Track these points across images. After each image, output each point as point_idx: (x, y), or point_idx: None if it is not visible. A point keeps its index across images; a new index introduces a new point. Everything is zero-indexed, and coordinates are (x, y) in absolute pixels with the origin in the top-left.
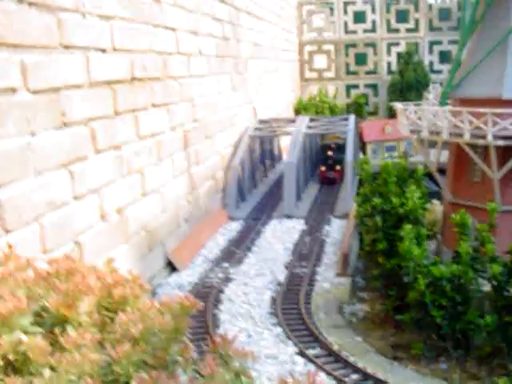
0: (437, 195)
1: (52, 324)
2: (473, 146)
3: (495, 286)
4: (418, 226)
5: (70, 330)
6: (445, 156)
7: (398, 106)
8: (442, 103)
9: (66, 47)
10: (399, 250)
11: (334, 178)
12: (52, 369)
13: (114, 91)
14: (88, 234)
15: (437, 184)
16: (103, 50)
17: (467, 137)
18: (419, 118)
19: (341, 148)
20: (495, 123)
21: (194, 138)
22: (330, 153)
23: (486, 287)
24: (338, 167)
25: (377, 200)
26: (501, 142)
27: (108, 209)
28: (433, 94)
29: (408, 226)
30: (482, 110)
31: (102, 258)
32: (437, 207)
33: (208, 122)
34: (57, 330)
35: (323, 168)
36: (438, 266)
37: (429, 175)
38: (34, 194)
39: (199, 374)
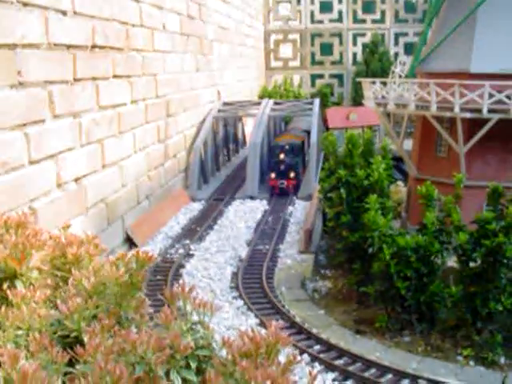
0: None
1: (0, 279)
2: (439, 120)
3: (461, 256)
4: (384, 197)
5: (18, 285)
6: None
7: (365, 80)
8: (410, 76)
9: (25, 4)
10: (364, 220)
11: (287, 188)
12: None
13: (74, 56)
14: (43, 200)
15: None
16: (63, 13)
17: (434, 109)
18: (386, 93)
19: (296, 150)
20: (462, 95)
21: (156, 115)
22: (281, 156)
23: (451, 262)
24: (291, 174)
25: (342, 171)
26: (468, 115)
27: (65, 177)
28: (399, 67)
29: (373, 197)
30: (449, 81)
31: (58, 227)
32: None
33: (171, 99)
34: (5, 286)
35: (273, 175)
36: (404, 235)
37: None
38: None
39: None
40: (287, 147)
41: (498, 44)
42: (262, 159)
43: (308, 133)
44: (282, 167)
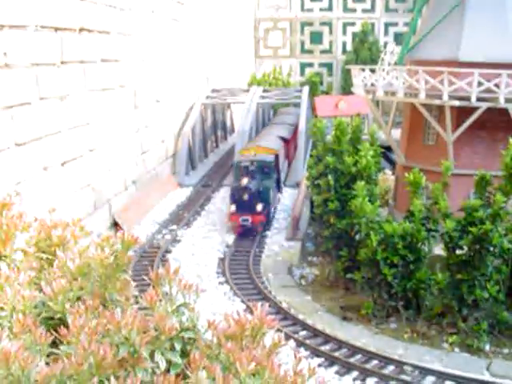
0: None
1: None
2: (428, 108)
3: (448, 243)
4: (371, 184)
5: (2, 266)
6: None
7: (354, 67)
8: (399, 64)
9: None
10: (352, 206)
11: (253, 226)
12: None
13: (61, 39)
14: (29, 183)
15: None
16: None
17: (422, 96)
18: (375, 80)
19: (266, 169)
20: (451, 83)
21: (145, 100)
22: (245, 181)
23: (438, 250)
24: (259, 206)
25: (330, 158)
26: (456, 103)
27: (52, 160)
28: (388, 54)
29: (361, 183)
30: (438, 68)
31: (44, 211)
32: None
33: (159, 84)
34: None
35: (233, 208)
36: (391, 223)
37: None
38: None
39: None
40: (253, 167)
41: (487, 33)
42: None
43: (286, 141)
44: (246, 197)
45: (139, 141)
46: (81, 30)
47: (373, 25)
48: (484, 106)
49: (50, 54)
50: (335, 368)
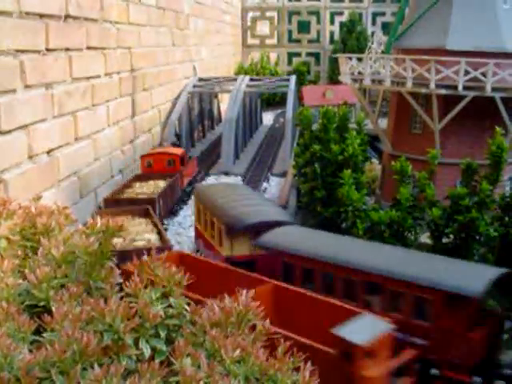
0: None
1: None
2: (415, 97)
3: (434, 231)
4: (358, 172)
5: None
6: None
7: (341, 55)
8: (386, 52)
9: None
10: (338, 194)
11: None
12: None
13: (47, 26)
14: (14, 172)
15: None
16: None
17: (409, 85)
18: (363, 68)
19: None
20: (438, 71)
21: (131, 88)
22: None
23: (424, 238)
24: None
25: (316, 146)
26: (443, 91)
27: (37, 149)
28: (375, 42)
29: (347, 172)
30: (425, 57)
31: (29, 199)
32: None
33: (146, 73)
34: None
35: None
36: (377, 210)
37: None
38: None
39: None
40: None
41: (475, 21)
42: (238, 134)
43: None
44: None
45: (125, 129)
46: (66, 17)
47: (360, 14)
48: (471, 94)
49: (35, 41)
50: None
